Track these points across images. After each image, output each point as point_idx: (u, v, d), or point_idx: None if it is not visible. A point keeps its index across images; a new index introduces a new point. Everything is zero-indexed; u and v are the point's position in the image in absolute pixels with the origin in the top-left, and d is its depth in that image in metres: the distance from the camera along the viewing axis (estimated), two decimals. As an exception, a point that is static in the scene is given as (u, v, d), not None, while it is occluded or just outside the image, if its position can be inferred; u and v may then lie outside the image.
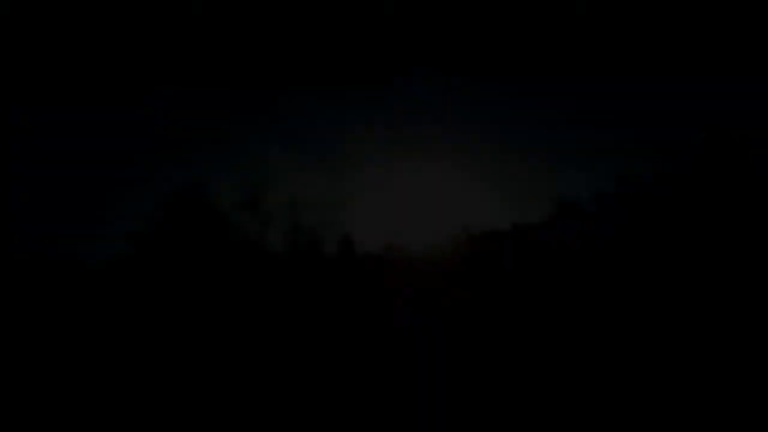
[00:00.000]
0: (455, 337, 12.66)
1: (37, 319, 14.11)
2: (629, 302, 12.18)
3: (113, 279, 16.87)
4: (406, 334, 12.85)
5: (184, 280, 16.04)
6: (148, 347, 13.56)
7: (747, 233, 13.10)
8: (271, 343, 13.73)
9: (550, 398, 10.20)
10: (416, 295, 14.58)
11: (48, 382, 12.12)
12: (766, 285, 11.65)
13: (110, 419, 10.75)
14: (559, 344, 12.08)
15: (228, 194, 21.12)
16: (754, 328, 10.74)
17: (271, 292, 16.02)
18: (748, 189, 15.17)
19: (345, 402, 10.89)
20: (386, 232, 20.89)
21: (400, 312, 14.01)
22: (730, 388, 9.45)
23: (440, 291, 14.52)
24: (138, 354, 13.30)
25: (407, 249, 18.45)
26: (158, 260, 17.19)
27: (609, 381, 10.40)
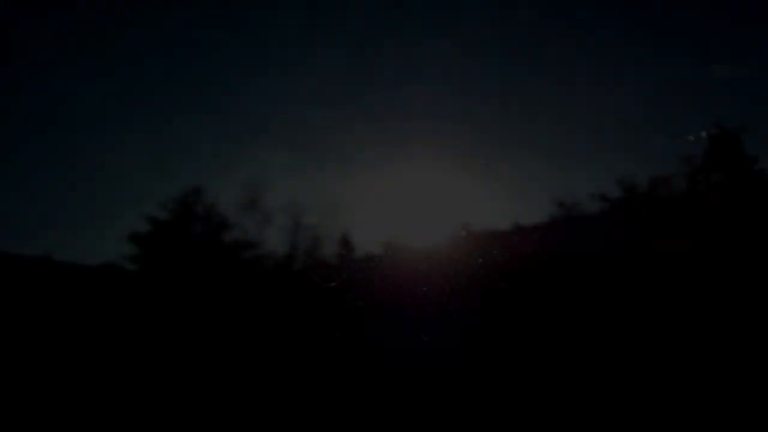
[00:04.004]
0: (456, 336, 12.67)
1: (38, 320, 14.14)
2: (632, 303, 12.20)
3: (114, 280, 16.89)
4: (406, 333, 12.87)
5: (187, 282, 16.07)
6: (149, 348, 13.58)
7: (748, 234, 13.13)
8: (271, 345, 13.75)
9: (551, 399, 10.23)
10: (417, 294, 14.60)
11: (48, 383, 12.14)
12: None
13: (110, 419, 10.78)
14: (560, 344, 12.10)
15: (227, 194, 21.19)
16: (757, 330, 10.76)
17: (272, 292, 16.05)
18: (749, 189, 15.19)
19: (345, 404, 10.91)
20: (386, 231, 20.85)
21: (401, 312, 14.02)
22: (729, 388, 9.47)
23: (441, 290, 14.53)
24: (139, 355, 13.32)
25: (408, 249, 18.46)
26: (162, 261, 17.25)
27: (610, 381, 10.43)
